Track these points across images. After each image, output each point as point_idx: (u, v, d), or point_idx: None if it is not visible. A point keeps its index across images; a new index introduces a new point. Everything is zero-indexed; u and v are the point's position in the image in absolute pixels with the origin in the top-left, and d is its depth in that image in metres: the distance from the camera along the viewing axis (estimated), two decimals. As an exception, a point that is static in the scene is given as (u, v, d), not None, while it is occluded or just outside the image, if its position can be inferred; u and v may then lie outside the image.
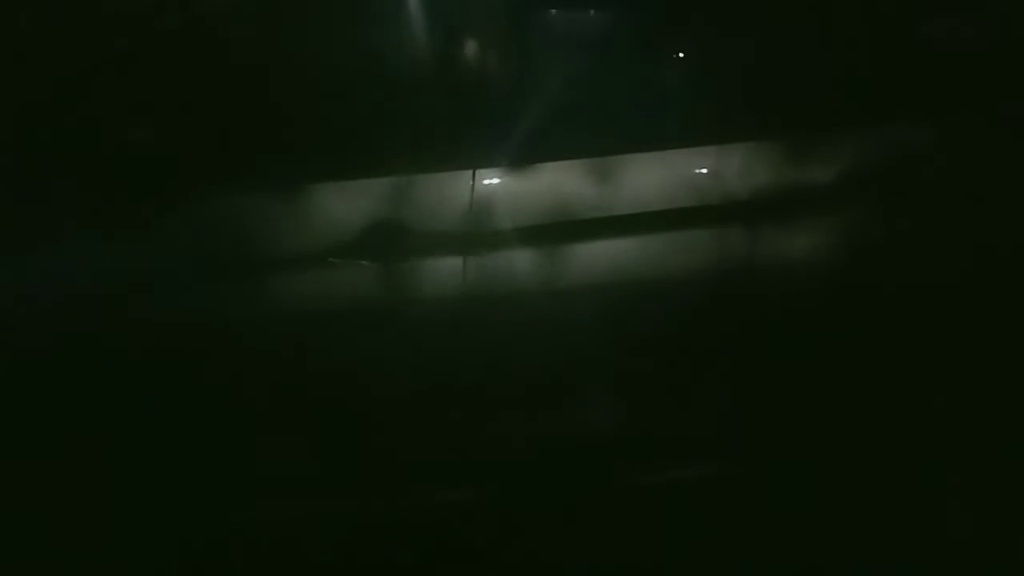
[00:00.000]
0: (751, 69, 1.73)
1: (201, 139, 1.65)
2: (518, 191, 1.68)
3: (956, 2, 1.82)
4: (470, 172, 1.67)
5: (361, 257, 1.66)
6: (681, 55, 1.77)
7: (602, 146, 1.70)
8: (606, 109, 1.73)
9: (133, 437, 1.60)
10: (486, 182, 1.67)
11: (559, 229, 1.68)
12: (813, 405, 1.70)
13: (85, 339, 1.60)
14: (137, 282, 1.63)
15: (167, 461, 1.61)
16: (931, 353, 1.69)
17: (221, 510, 1.66)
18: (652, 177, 1.70)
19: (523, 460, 1.72)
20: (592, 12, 1.78)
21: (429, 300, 1.67)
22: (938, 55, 1.77)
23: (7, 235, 1.62)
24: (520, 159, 1.67)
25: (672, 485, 1.70)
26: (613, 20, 1.78)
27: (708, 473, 1.71)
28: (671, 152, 1.71)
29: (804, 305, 1.70)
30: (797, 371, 1.71)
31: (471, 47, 1.71)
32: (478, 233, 1.67)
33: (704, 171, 1.70)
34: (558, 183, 1.68)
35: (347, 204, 1.66)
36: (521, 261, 1.68)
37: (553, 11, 1.77)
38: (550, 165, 1.69)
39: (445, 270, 1.67)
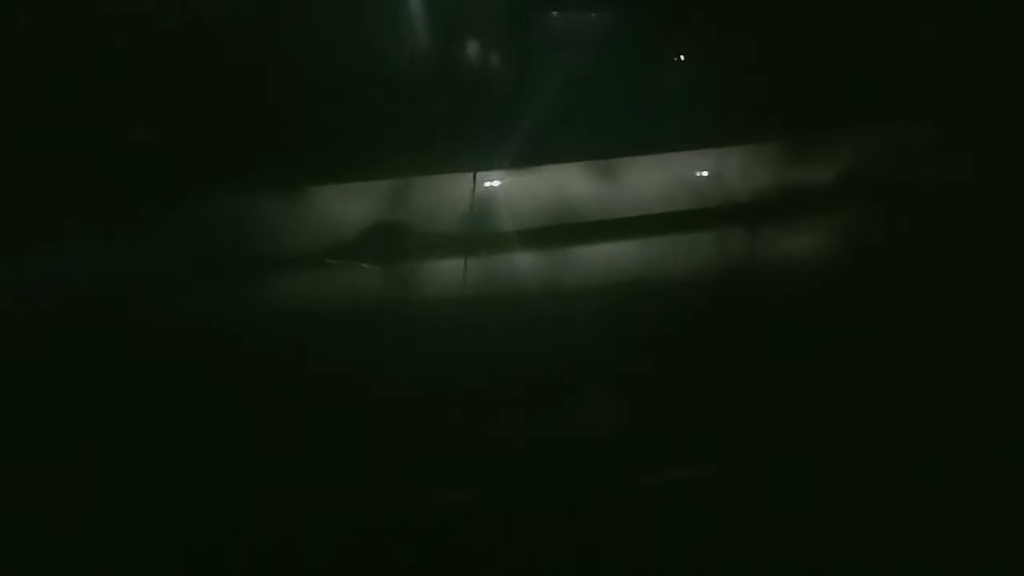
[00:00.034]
0: (751, 69, 1.73)
1: (201, 139, 1.65)
2: (518, 193, 1.68)
3: (956, 2, 1.82)
4: (470, 174, 1.67)
5: (361, 258, 1.66)
6: (682, 57, 1.77)
7: (603, 148, 1.70)
8: (607, 111, 1.73)
9: (133, 437, 1.60)
10: (487, 184, 1.67)
11: (559, 231, 1.68)
12: (813, 405, 1.70)
13: (85, 339, 1.60)
14: (137, 282, 1.63)
15: (167, 461, 1.61)
16: (931, 353, 1.69)
17: (221, 510, 1.66)
18: (653, 179, 1.70)
19: (523, 460, 1.72)
20: (593, 13, 1.78)
21: (429, 301, 1.67)
22: (938, 55, 1.77)
23: (7, 235, 1.62)
24: (521, 161, 1.67)
25: (672, 485, 1.70)
26: (614, 21, 1.78)
27: (708, 473, 1.71)
28: (672, 154, 1.71)
29: (804, 305, 1.70)
30: (797, 371, 1.71)
31: (471, 48, 1.71)
32: (478, 234, 1.67)
33: (705, 173, 1.70)
34: (559, 185, 1.68)
35: (347, 205, 1.66)
36: (521, 262, 1.68)
37: (554, 13, 1.77)
38: (551, 167, 1.69)
39: (445, 271, 1.67)
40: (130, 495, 1.61)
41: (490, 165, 1.67)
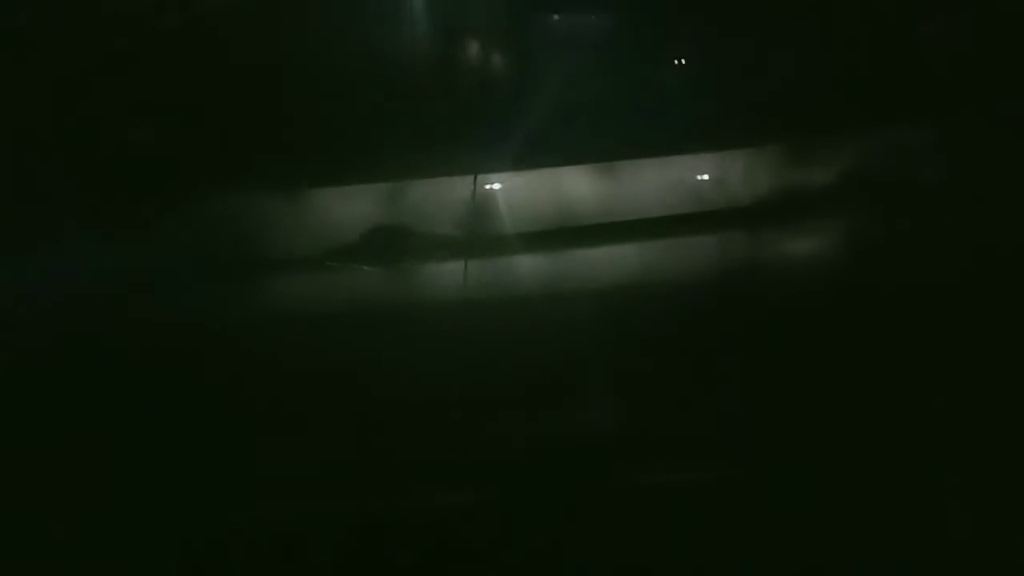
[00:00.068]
0: (751, 70, 1.73)
1: (201, 139, 1.65)
2: (519, 195, 1.68)
3: (956, 2, 1.82)
4: (471, 176, 1.67)
5: (361, 259, 1.66)
6: (683, 61, 1.77)
7: (603, 150, 1.70)
8: (607, 112, 1.73)
9: (133, 437, 1.60)
10: (487, 186, 1.67)
11: (560, 233, 1.68)
12: (813, 405, 1.70)
13: (85, 339, 1.60)
14: (137, 282, 1.63)
15: (167, 461, 1.61)
16: (931, 353, 1.69)
17: (221, 510, 1.66)
18: (653, 182, 1.70)
19: (523, 460, 1.72)
20: (593, 15, 1.78)
21: (429, 301, 1.67)
22: (938, 55, 1.77)
23: (7, 235, 1.62)
24: (521, 163, 1.67)
25: (672, 485, 1.70)
26: (614, 24, 1.78)
27: (708, 473, 1.71)
28: (673, 158, 1.71)
29: (804, 305, 1.70)
30: (797, 372, 1.71)
31: (472, 49, 1.71)
32: (478, 236, 1.67)
33: (705, 177, 1.70)
34: (559, 187, 1.68)
35: (348, 206, 1.66)
36: (521, 265, 1.68)
37: (555, 16, 1.77)
38: (551, 169, 1.69)
39: (445, 272, 1.68)
40: (130, 495, 1.61)
41: (491, 167, 1.67)
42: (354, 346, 1.65)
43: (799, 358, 1.70)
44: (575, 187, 1.69)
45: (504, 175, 1.68)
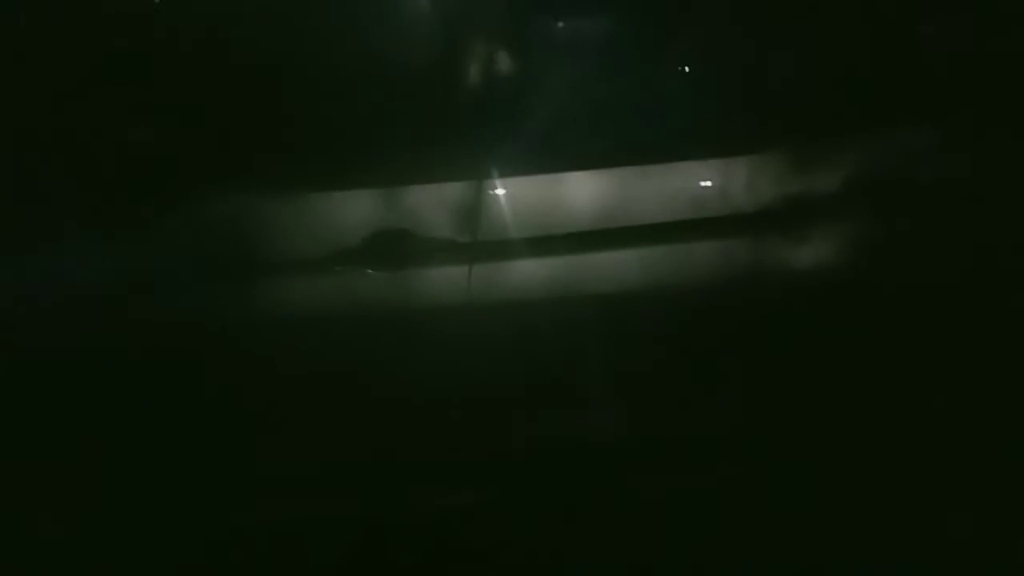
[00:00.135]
0: (752, 72, 1.73)
1: (201, 139, 1.64)
2: (522, 199, 1.68)
3: (956, 2, 1.82)
4: (471, 180, 1.67)
5: (365, 262, 1.66)
6: (685, 67, 1.77)
7: (606, 155, 1.70)
8: (609, 117, 1.73)
9: (133, 437, 1.60)
10: (490, 191, 1.68)
11: (562, 238, 1.69)
12: (813, 405, 1.70)
13: (85, 339, 1.60)
14: (137, 282, 1.63)
15: (167, 461, 1.61)
16: (931, 353, 1.69)
17: (221, 510, 1.66)
18: (655, 188, 1.70)
19: (523, 461, 1.72)
20: (595, 20, 1.78)
21: (430, 303, 1.68)
22: (938, 55, 1.77)
23: (7, 235, 1.62)
24: (524, 168, 1.68)
25: (672, 485, 1.70)
26: (616, 27, 1.78)
27: (708, 474, 1.71)
28: (676, 164, 1.71)
29: (805, 305, 1.70)
30: (797, 372, 1.71)
31: (473, 51, 1.71)
32: (480, 240, 1.67)
33: (708, 183, 1.71)
34: (562, 192, 1.69)
35: (350, 209, 1.66)
36: (523, 268, 1.68)
37: (558, 22, 1.77)
38: (554, 175, 1.69)
39: (446, 274, 1.68)
40: (130, 495, 1.61)
41: (494, 172, 1.67)
42: (354, 347, 1.65)
43: (799, 359, 1.70)
44: (578, 192, 1.69)
45: (507, 180, 1.68)
